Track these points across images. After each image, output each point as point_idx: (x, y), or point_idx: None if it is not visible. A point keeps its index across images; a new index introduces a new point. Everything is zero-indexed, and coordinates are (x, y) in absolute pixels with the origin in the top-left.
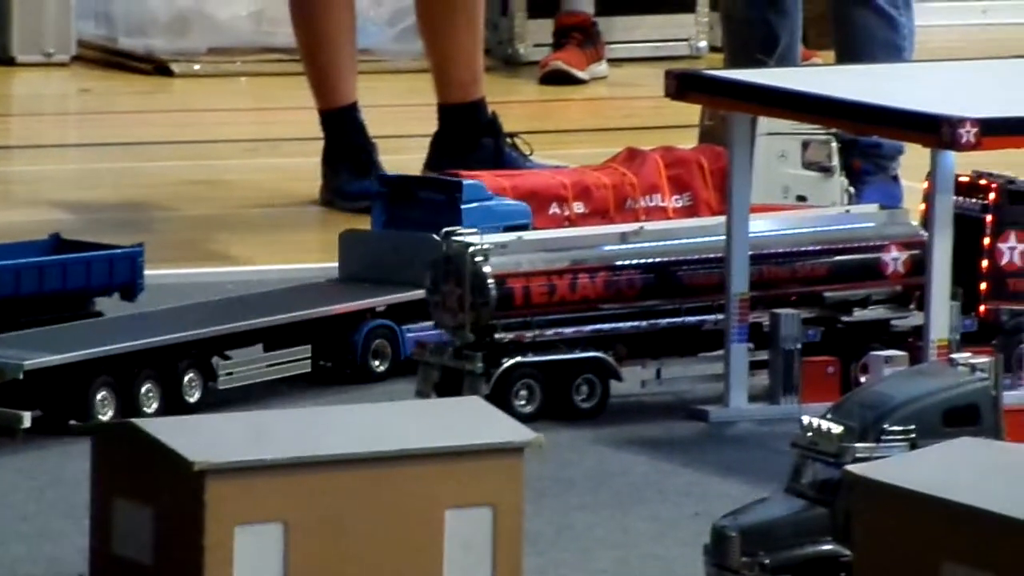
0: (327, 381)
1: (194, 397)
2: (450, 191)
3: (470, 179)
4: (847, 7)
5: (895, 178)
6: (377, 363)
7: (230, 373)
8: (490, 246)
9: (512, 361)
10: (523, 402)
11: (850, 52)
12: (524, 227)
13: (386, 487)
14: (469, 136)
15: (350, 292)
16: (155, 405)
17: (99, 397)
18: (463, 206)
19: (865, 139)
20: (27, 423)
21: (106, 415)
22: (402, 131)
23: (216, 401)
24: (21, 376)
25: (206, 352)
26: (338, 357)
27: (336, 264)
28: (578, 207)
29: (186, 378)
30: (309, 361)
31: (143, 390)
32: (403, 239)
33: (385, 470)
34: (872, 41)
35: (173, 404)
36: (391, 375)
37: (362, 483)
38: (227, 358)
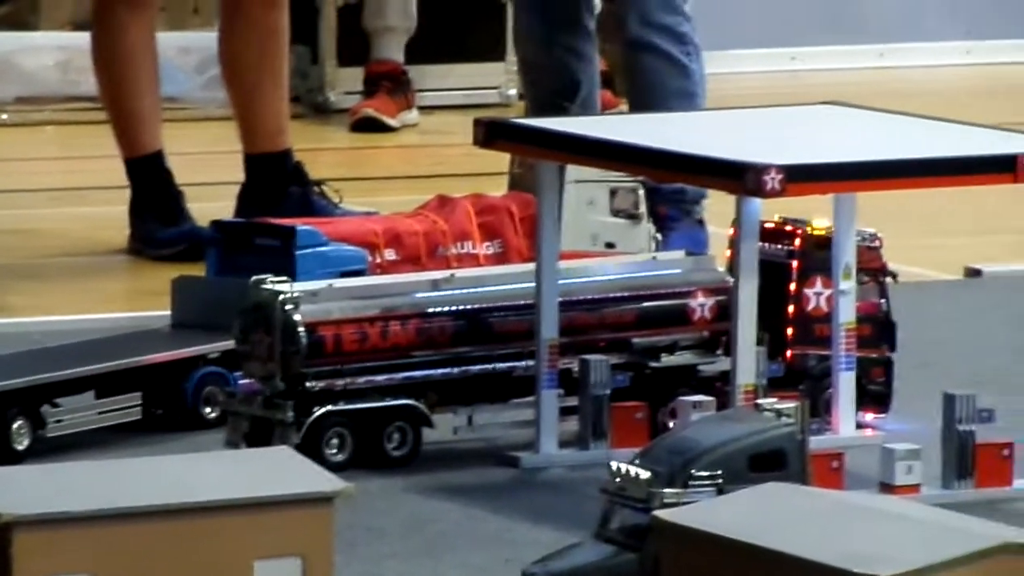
0: (158, 428)
1: (23, 445)
2: (285, 237)
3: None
4: (638, 55)
5: (700, 222)
6: (208, 410)
7: (59, 420)
8: (300, 294)
9: (323, 410)
10: (334, 451)
11: (643, 100)
12: (360, 272)
13: (194, 538)
14: (276, 185)
15: (182, 339)
16: None
17: None
18: (297, 252)
19: (669, 185)
20: None
21: None
22: (210, 179)
23: (45, 449)
24: None
25: (35, 400)
26: (169, 404)
27: (165, 311)
28: (389, 254)
29: (14, 426)
30: (140, 408)
31: None
32: (235, 285)
33: (193, 521)
34: (664, 89)
35: (1, 452)
36: (223, 422)
37: (170, 534)
38: (57, 406)
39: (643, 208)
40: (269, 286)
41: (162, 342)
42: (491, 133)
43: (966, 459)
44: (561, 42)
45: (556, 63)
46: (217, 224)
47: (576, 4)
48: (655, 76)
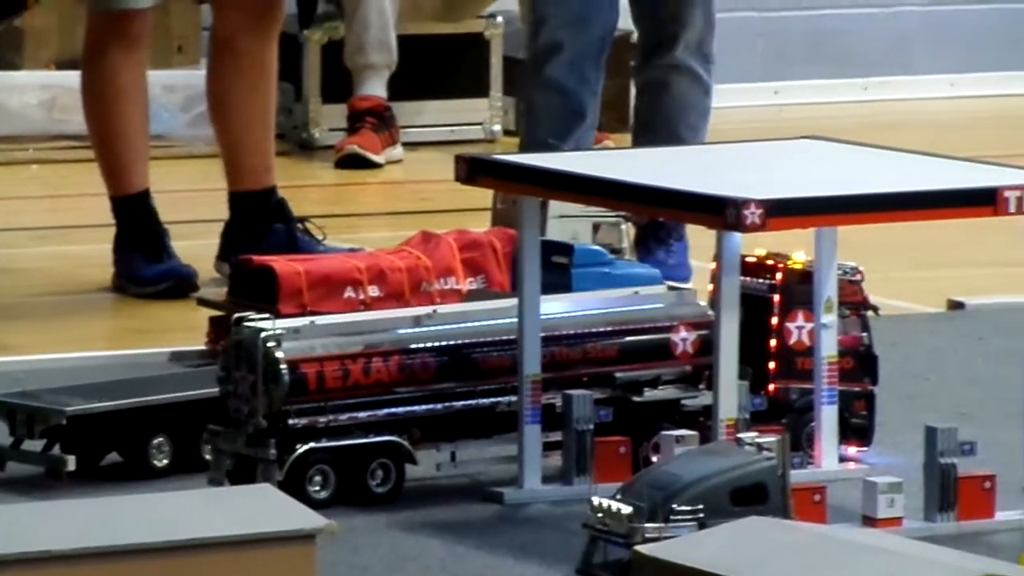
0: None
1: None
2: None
3: (263, 264)
4: (663, 75)
5: (681, 252)
6: None
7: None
8: (282, 331)
9: (305, 447)
10: (317, 488)
11: (665, 122)
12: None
13: None
14: (260, 222)
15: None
16: None
17: None
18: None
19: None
20: None
21: None
22: (194, 216)
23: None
24: None
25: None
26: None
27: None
28: (373, 291)
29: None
30: None
31: None
32: None
33: (176, 559)
34: (688, 108)
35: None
36: None
37: (153, 572)
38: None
39: (626, 243)
40: (251, 323)
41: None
42: (473, 169)
43: (948, 492)
44: (587, 76)
45: (569, 87)
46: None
47: (609, 35)
48: (679, 96)
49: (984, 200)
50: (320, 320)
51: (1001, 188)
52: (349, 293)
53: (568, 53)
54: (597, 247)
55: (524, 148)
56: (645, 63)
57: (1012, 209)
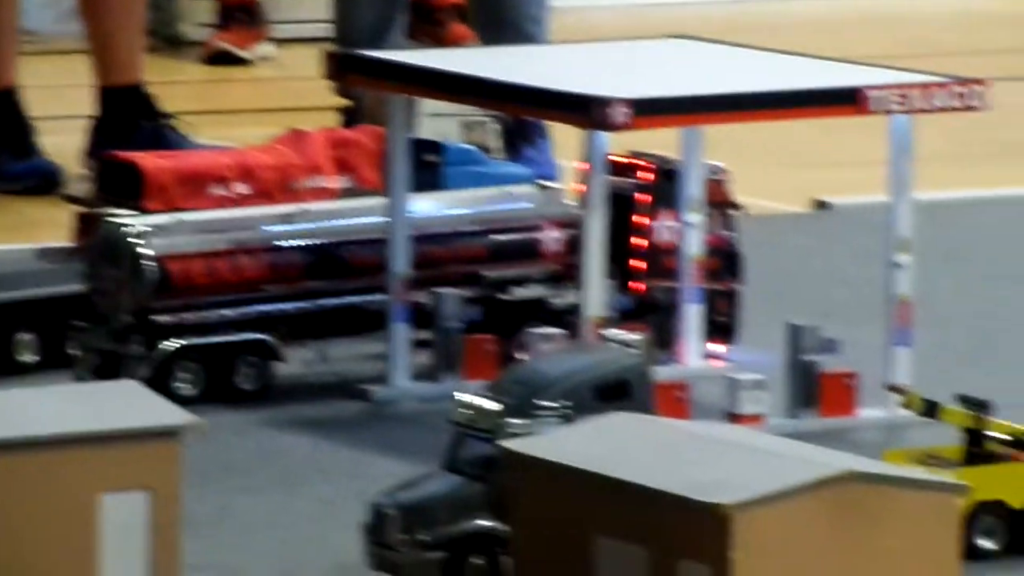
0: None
1: None
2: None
3: (129, 160)
4: None
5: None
6: None
7: None
8: (148, 228)
9: (172, 344)
10: (184, 385)
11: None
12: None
13: (38, 472)
14: (129, 118)
15: None
16: None
17: None
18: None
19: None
20: None
21: None
22: (62, 112)
23: None
24: None
25: None
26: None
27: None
28: (241, 188)
29: None
30: None
31: None
32: None
33: (37, 455)
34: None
35: None
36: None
37: (15, 468)
38: None
39: (496, 142)
40: (116, 220)
41: None
42: (342, 66)
43: (811, 389)
44: None
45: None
46: None
47: None
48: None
49: (846, 99)
50: (187, 217)
51: (863, 87)
52: (217, 190)
53: None
54: (470, 146)
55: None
56: None
57: (874, 108)
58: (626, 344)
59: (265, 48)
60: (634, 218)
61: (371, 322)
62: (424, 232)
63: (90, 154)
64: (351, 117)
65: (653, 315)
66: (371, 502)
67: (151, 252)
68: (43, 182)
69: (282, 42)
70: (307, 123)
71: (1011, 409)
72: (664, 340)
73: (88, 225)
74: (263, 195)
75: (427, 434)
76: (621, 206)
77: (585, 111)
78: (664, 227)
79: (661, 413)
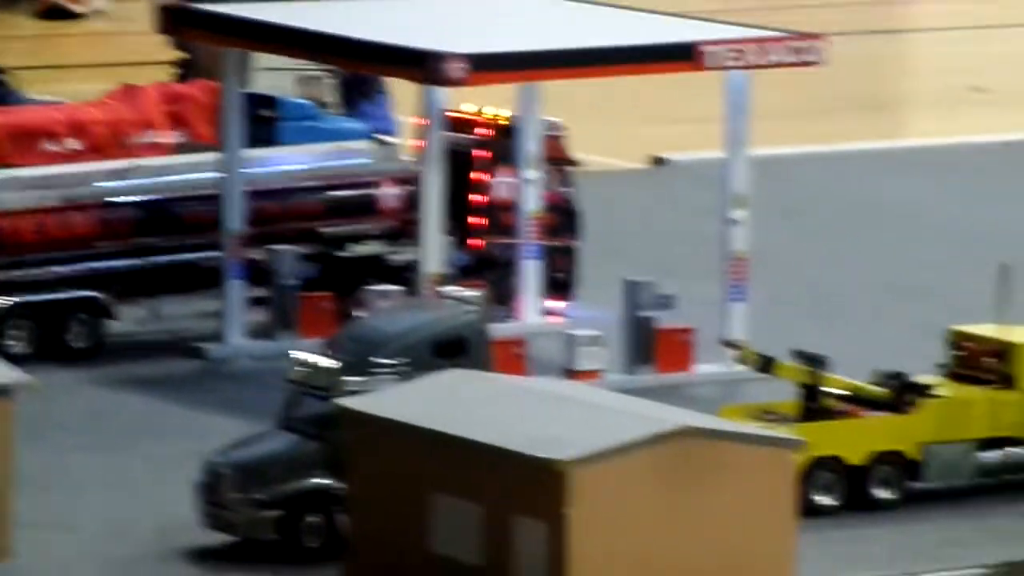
0: None
1: None
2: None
3: None
4: None
5: (384, 105)
6: None
7: None
8: None
9: (2, 301)
10: (15, 343)
11: None
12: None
13: None
14: None
15: None
16: None
17: None
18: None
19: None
20: None
21: None
22: None
23: None
24: None
25: None
26: None
27: None
28: (72, 144)
29: None
30: None
31: None
32: None
33: None
34: None
35: None
36: None
37: None
38: None
39: (331, 96)
40: None
41: None
42: (176, 20)
43: (647, 345)
44: None
45: None
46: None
47: None
48: None
49: (683, 55)
50: (16, 172)
51: (699, 43)
52: (48, 146)
53: None
54: (306, 100)
55: None
56: None
57: (710, 64)
58: (464, 301)
59: (98, 2)
60: (472, 175)
61: (205, 279)
62: (259, 188)
63: None
64: (186, 71)
65: (491, 272)
66: (205, 461)
67: None
68: None
69: None
70: (141, 78)
71: (847, 364)
72: (502, 296)
73: None
74: (95, 151)
75: (262, 392)
76: (460, 163)
77: (421, 66)
78: (502, 183)
79: (499, 369)
